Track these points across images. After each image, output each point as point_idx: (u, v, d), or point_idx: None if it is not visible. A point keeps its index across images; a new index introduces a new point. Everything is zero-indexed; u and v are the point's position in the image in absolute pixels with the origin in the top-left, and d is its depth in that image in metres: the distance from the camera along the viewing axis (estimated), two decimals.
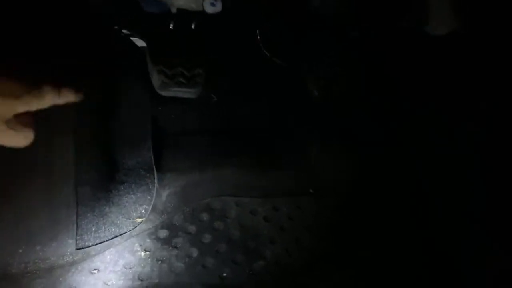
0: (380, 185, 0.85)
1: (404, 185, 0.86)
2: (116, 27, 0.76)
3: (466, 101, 0.90)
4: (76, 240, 0.64)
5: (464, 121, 0.90)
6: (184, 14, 0.77)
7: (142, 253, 0.66)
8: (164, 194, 0.74)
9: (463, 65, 0.91)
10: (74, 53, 0.72)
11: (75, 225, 0.64)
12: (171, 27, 0.79)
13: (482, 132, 0.86)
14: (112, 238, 0.66)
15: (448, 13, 0.86)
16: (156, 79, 0.74)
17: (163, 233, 0.69)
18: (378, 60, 0.91)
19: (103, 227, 0.67)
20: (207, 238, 0.71)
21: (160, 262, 0.66)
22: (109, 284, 0.62)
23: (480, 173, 0.84)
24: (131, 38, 0.78)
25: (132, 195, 0.71)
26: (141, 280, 0.64)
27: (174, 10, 0.77)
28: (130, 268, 0.64)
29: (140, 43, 0.78)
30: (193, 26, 0.81)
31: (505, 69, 0.81)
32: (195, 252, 0.68)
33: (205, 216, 0.73)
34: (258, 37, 0.87)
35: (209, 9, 0.76)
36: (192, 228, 0.71)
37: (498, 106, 0.85)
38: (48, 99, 0.51)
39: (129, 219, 0.69)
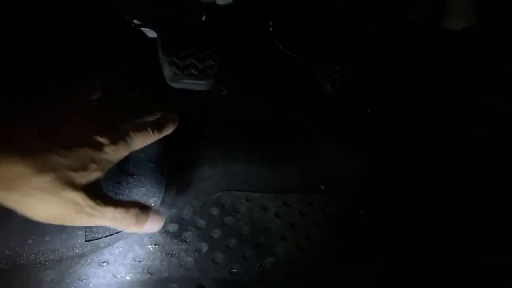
0: (391, 182, 0.84)
1: (415, 182, 0.85)
2: (127, 18, 0.75)
3: (479, 95, 0.89)
4: (85, 232, 0.63)
5: (478, 116, 0.89)
6: (195, 5, 0.76)
7: (152, 247, 0.65)
8: (174, 187, 0.73)
9: (478, 60, 0.89)
10: (86, 45, 0.71)
11: None
12: (182, 18, 0.78)
13: (494, 127, 0.85)
14: (122, 231, 0.65)
15: (466, 8, 0.84)
16: (167, 71, 0.73)
17: (173, 227, 0.68)
18: (393, 55, 0.89)
19: None
20: (216, 233, 0.69)
21: (169, 256, 0.65)
22: (118, 277, 0.62)
23: (490, 168, 0.83)
24: (142, 28, 0.77)
25: (142, 188, 0.70)
26: (151, 273, 0.63)
27: (185, 1, 0.76)
28: (139, 261, 0.64)
29: (151, 34, 0.77)
30: (203, 18, 0.79)
31: None
32: (204, 247, 0.67)
33: (215, 211, 0.72)
34: (271, 30, 0.85)
35: (220, 1, 0.74)
36: (202, 223, 0.70)
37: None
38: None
39: None
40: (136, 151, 0.72)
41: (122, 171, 0.71)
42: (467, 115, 0.90)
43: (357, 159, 0.84)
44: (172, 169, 0.73)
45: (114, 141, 0.43)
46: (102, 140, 0.42)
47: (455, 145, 0.87)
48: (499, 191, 0.80)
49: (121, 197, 0.69)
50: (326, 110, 0.87)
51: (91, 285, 0.60)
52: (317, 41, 0.87)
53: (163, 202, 0.70)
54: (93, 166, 0.41)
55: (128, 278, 0.62)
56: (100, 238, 0.64)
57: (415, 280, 0.76)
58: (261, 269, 0.68)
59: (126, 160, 0.71)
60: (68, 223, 0.41)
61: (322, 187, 0.80)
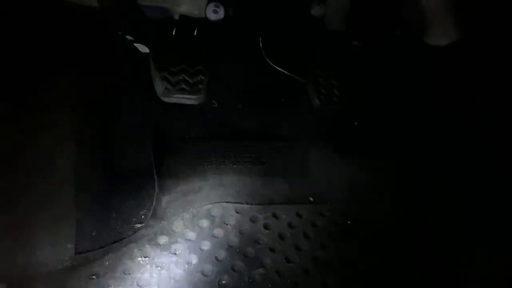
0: (379, 193, 0.85)
1: (402, 192, 0.86)
2: (120, 33, 0.77)
3: (465, 108, 0.90)
4: (75, 245, 0.63)
5: (463, 128, 0.90)
6: (186, 21, 0.78)
7: (141, 259, 0.66)
8: (164, 200, 0.74)
9: (461, 73, 0.91)
10: (79, 58, 0.72)
11: (74, 230, 0.64)
12: (173, 33, 0.80)
13: (481, 137, 0.87)
14: (111, 244, 0.66)
15: (448, 25, 0.87)
16: (159, 86, 0.75)
17: (163, 239, 0.69)
18: (379, 68, 0.92)
19: (103, 232, 0.67)
20: (206, 245, 0.70)
21: (159, 268, 0.66)
22: None
23: (477, 180, 0.84)
24: (134, 44, 0.79)
25: (132, 201, 0.71)
26: (140, 286, 0.63)
27: (176, 17, 0.77)
28: (129, 274, 0.64)
29: (143, 49, 0.79)
30: (195, 33, 0.81)
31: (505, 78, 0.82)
32: (194, 259, 0.68)
33: (204, 223, 0.73)
34: (261, 45, 0.88)
35: (212, 16, 0.76)
36: (192, 235, 0.71)
37: (498, 113, 0.85)
38: None
39: (129, 224, 0.69)
40: (126, 163, 0.74)
41: (112, 184, 0.72)
42: (457, 126, 0.91)
43: (344, 171, 0.86)
44: (162, 181, 0.74)
45: None
46: None
47: (445, 156, 0.88)
48: (499, 191, 0.81)
49: (111, 209, 0.69)
50: (313, 124, 0.89)
51: None
52: (305, 56, 0.90)
53: (153, 214, 0.71)
54: None
55: None
56: (90, 251, 0.64)
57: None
58: (250, 280, 0.69)
59: (116, 173, 0.72)
60: None
61: (311, 199, 0.81)
